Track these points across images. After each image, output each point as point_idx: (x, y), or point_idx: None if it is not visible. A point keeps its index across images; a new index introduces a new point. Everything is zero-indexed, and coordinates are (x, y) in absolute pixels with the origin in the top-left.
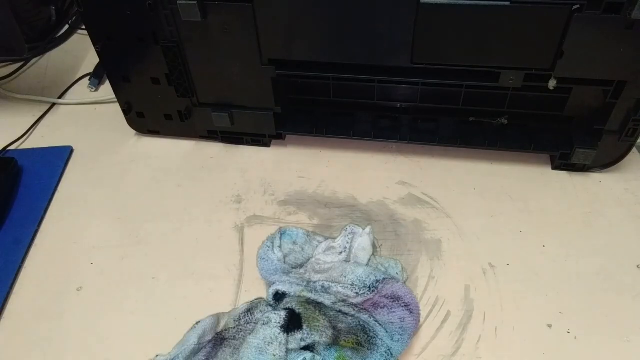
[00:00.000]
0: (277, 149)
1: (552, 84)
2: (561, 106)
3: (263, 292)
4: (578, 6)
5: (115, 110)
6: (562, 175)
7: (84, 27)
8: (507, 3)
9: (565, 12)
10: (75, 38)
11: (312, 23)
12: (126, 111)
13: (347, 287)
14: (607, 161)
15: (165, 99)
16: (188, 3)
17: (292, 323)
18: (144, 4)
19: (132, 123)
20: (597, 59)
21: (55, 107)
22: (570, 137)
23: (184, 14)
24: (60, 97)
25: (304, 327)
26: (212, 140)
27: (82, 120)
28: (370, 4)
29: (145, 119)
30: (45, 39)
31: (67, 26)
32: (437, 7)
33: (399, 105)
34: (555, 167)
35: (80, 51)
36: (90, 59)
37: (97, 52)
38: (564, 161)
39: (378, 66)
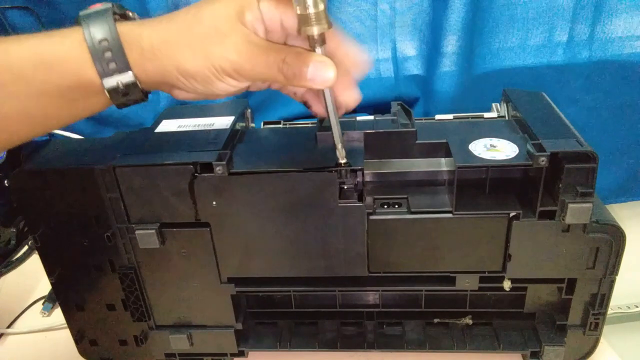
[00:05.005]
0: None
1: (506, 285)
2: (521, 303)
3: None
4: (515, 214)
5: (66, 337)
6: None
7: None
8: (450, 215)
9: (504, 220)
10: (33, 258)
11: (268, 241)
12: (78, 340)
13: None
14: (577, 357)
15: (121, 324)
16: (147, 232)
17: None
18: (102, 236)
19: (83, 352)
20: (543, 260)
21: (3, 337)
22: (537, 334)
23: (142, 242)
24: (9, 326)
25: None
26: None
27: (31, 350)
28: (323, 222)
29: (98, 346)
30: (2, 263)
31: (26, 247)
32: (385, 222)
33: (362, 311)
34: None
35: (37, 272)
36: (47, 281)
37: (52, 283)
38: (536, 359)
39: (337, 277)
